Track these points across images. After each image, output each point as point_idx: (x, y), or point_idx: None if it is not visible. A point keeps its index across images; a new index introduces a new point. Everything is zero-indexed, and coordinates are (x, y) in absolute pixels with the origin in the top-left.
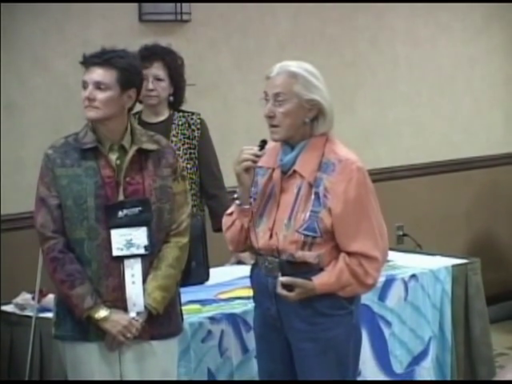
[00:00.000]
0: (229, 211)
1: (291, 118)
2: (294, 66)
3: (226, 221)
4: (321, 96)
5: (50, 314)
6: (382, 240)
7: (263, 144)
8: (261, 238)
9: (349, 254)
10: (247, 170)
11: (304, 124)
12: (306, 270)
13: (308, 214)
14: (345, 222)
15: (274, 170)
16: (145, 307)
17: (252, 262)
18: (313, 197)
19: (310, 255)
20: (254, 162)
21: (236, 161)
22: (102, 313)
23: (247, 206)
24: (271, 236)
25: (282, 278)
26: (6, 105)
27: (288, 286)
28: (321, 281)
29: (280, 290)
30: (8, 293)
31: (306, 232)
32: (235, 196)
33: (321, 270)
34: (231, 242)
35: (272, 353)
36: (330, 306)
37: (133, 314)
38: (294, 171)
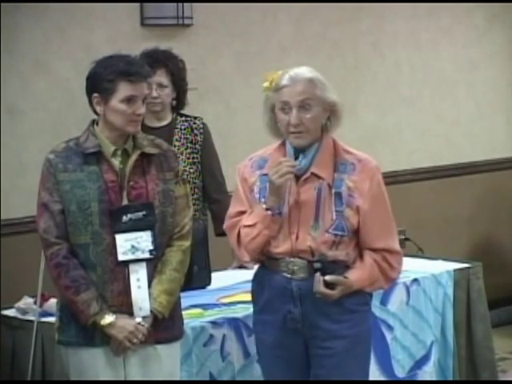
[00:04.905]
0: (249, 222)
1: (317, 122)
2: (306, 71)
3: (249, 232)
4: (337, 96)
5: (51, 319)
6: (396, 233)
7: (298, 154)
8: (283, 242)
9: (373, 250)
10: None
11: (320, 126)
12: (334, 268)
13: (334, 214)
14: (372, 219)
15: None
16: (151, 311)
17: (254, 266)
18: (333, 197)
19: (340, 253)
20: (292, 172)
21: (276, 174)
22: (108, 318)
23: (278, 215)
24: (297, 238)
25: (327, 277)
26: (7, 108)
27: (330, 285)
28: (356, 277)
29: (322, 289)
30: (10, 297)
31: (335, 232)
32: (265, 207)
33: (346, 267)
34: (253, 253)
35: (290, 359)
36: (357, 302)
37: (139, 319)
38: (311, 173)
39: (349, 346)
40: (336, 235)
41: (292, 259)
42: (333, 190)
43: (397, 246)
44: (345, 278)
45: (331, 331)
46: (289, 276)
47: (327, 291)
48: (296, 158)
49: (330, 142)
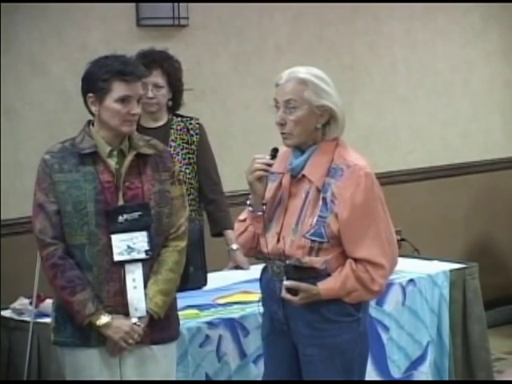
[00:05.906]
0: (241, 217)
1: (302, 124)
2: (303, 72)
3: (238, 226)
4: (331, 101)
5: (47, 319)
6: (390, 247)
7: (275, 152)
8: (269, 243)
9: (355, 260)
10: (259, 178)
11: (316, 129)
12: (314, 275)
13: (315, 219)
14: (351, 228)
15: (283, 174)
16: (146, 312)
17: (249, 267)
18: (320, 202)
19: (317, 260)
20: (266, 170)
21: (248, 170)
22: (104, 319)
23: (260, 213)
24: (278, 240)
25: (286, 282)
26: (4, 109)
27: (293, 290)
28: (326, 286)
29: (284, 294)
30: (6, 298)
31: (312, 237)
32: (248, 203)
33: (328, 275)
34: (243, 247)
35: (278, 358)
36: (336, 312)
37: (134, 319)
38: (303, 176)
39: (325, 355)
40: (314, 241)
41: (277, 261)
42: (321, 195)
43: (381, 260)
44: (314, 285)
45: (311, 338)
46: (272, 277)
47: (288, 296)
48: (273, 157)
49: (330, 146)
